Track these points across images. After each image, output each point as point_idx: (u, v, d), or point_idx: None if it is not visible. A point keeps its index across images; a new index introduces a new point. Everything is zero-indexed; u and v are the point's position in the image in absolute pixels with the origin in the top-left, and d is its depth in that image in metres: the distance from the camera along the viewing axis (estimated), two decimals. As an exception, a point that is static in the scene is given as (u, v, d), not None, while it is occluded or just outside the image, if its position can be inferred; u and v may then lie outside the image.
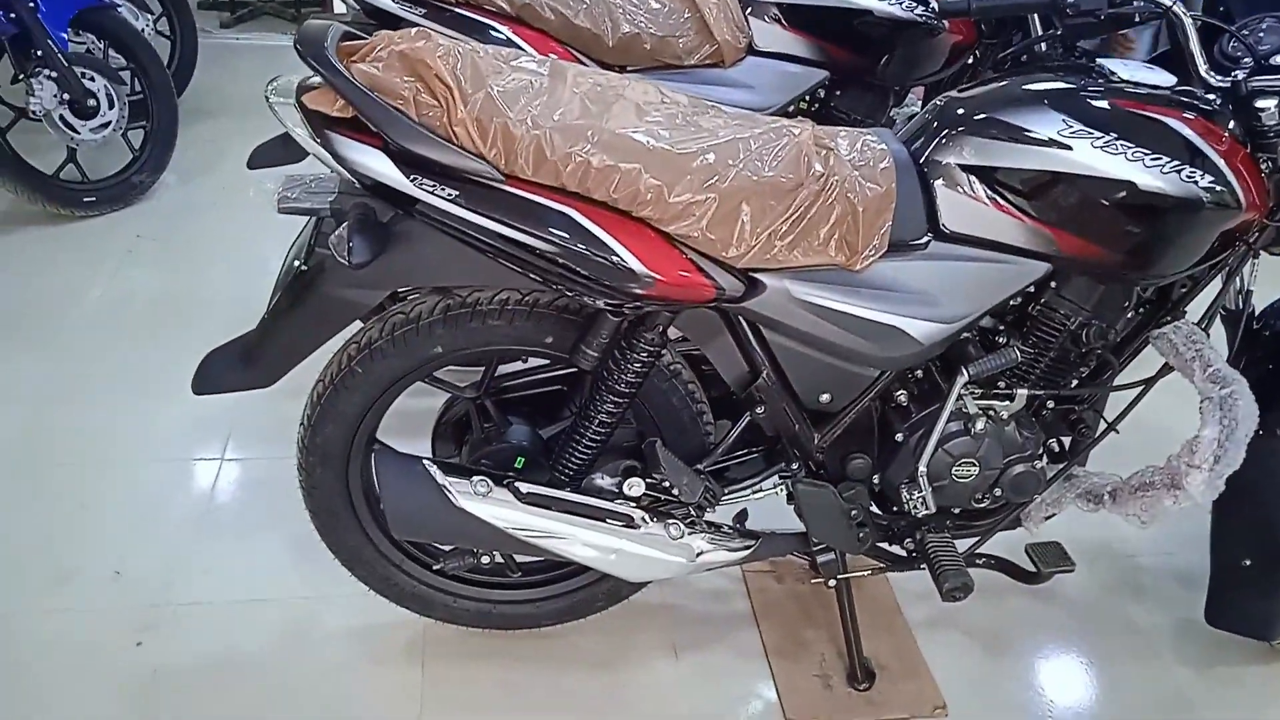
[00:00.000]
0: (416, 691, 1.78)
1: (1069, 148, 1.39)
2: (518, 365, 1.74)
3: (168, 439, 2.35)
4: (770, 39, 2.24)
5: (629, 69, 2.18)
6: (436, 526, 1.49)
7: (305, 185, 1.45)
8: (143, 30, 4.08)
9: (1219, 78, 1.50)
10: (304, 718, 1.74)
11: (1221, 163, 1.40)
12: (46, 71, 3.13)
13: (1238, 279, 1.77)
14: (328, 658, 1.85)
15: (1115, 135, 1.39)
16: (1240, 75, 1.51)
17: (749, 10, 2.24)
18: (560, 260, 1.31)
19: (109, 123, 3.33)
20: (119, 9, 3.46)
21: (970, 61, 2.35)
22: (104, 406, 2.44)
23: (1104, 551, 2.22)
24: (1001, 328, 1.60)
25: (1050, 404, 1.65)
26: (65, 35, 3.19)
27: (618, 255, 1.31)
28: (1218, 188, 1.40)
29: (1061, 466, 1.68)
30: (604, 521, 1.50)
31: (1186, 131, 1.40)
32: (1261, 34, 1.61)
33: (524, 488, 1.47)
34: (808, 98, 2.36)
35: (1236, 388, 1.50)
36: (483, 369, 1.65)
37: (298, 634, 1.90)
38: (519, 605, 1.82)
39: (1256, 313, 1.84)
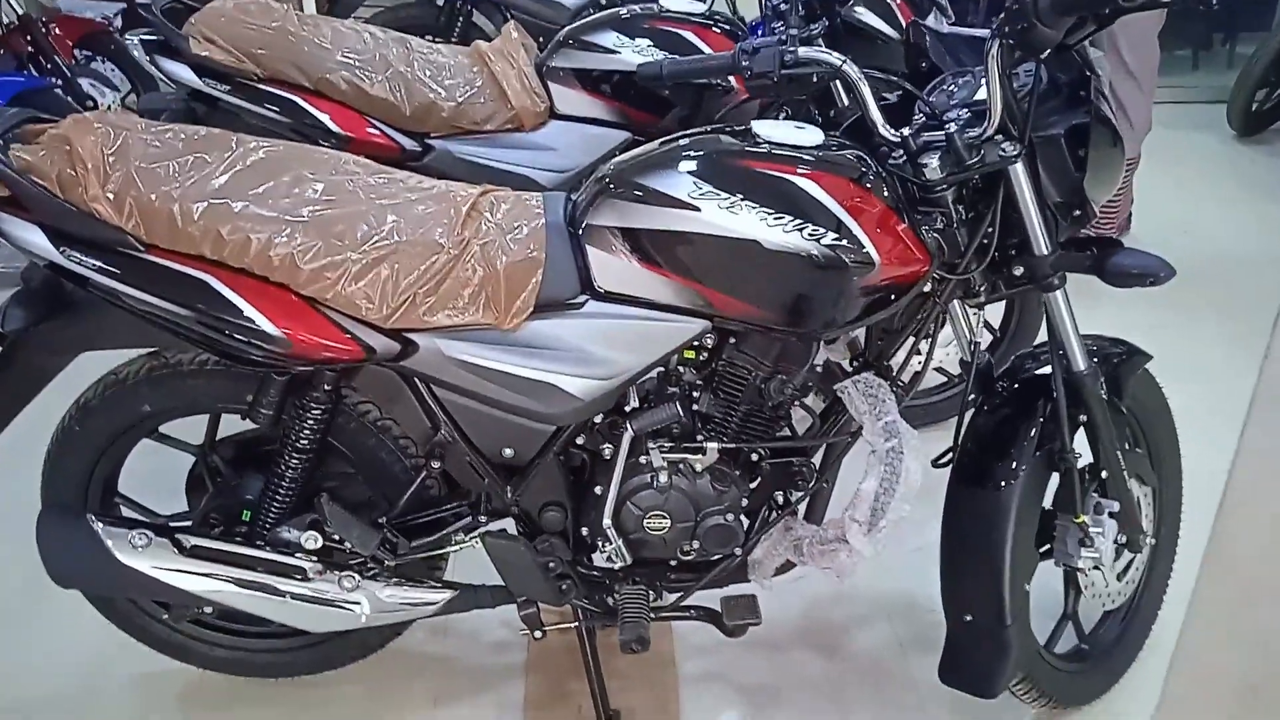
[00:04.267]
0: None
1: (697, 209, 1.43)
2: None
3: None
4: (570, 103, 2.32)
5: (432, 135, 2.27)
6: (99, 580, 1.57)
7: (3, 257, 1.56)
8: (109, 106, 4.36)
9: (894, 134, 1.52)
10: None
11: (848, 218, 1.42)
12: (-18, 149, 3.36)
13: (964, 330, 1.78)
14: (108, 707, 1.94)
15: (741, 195, 1.43)
16: (908, 131, 1.53)
17: (549, 76, 2.32)
18: (197, 323, 1.40)
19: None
20: (56, 89, 3.69)
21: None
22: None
23: (909, 605, 2.19)
24: (699, 382, 1.63)
25: (757, 456, 1.66)
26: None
27: (250, 319, 1.39)
28: (843, 243, 1.42)
29: (773, 518, 1.69)
30: (276, 574, 1.56)
31: (813, 189, 1.43)
32: (955, 89, 1.63)
33: (188, 541, 1.55)
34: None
35: (899, 443, 1.50)
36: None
37: (87, 685, 1.98)
38: (274, 654, 1.88)
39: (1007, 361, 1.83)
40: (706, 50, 2.27)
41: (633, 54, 2.27)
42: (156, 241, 1.39)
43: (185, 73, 2.20)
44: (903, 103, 1.66)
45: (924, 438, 2.11)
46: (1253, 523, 1.22)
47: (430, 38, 4.02)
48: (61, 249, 1.39)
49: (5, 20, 4.04)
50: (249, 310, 1.39)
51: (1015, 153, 1.46)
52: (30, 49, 4.02)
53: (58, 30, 4.17)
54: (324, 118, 2.21)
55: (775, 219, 1.41)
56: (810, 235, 1.41)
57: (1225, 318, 3.20)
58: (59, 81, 3.88)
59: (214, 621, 1.83)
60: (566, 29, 2.39)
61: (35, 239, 1.39)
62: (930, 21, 2.27)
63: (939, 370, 2.55)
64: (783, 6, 2.29)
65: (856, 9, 2.21)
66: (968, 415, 1.72)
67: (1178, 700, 1.37)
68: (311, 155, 1.55)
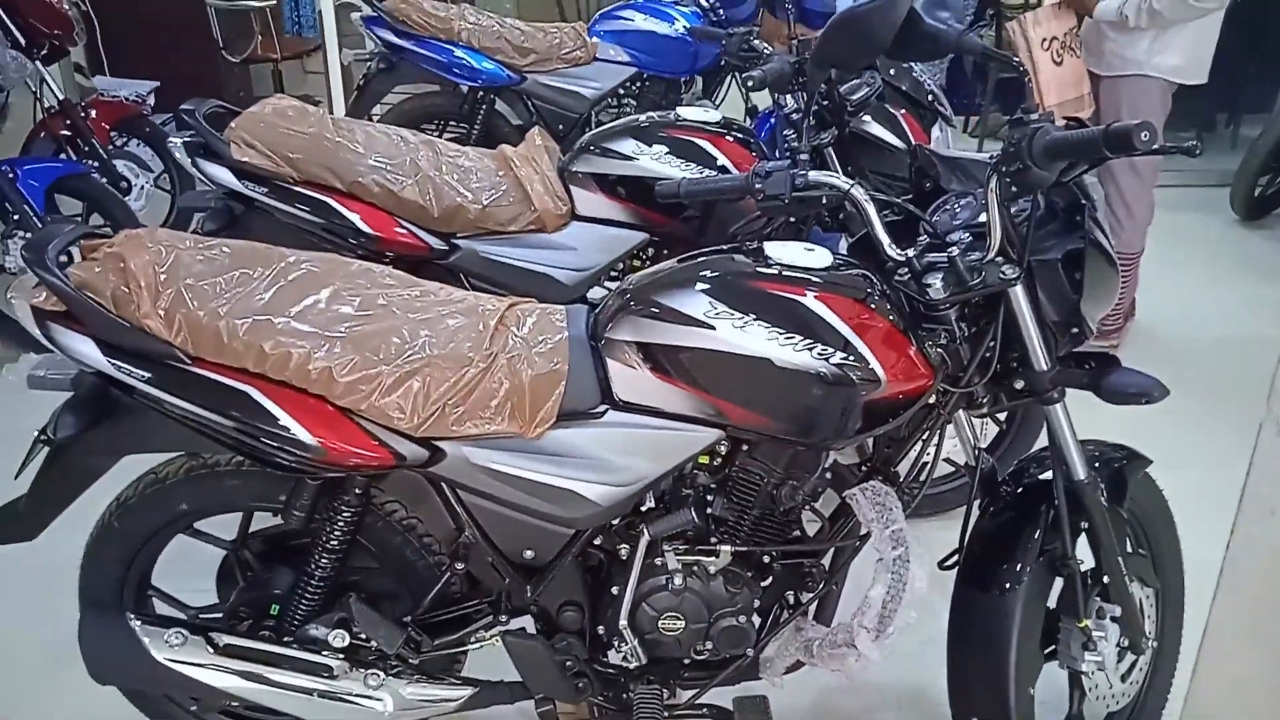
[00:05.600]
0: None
1: (712, 327, 1.51)
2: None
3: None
4: (591, 206, 2.42)
5: (458, 235, 2.37)
6: (137, 677, 1.63)
7: (56, 364, 1.65)
8: (142, 187, 4.49)
9: (899, 254, 1.61)
10: None
11: (854, 337, 1.50)
12: (21, 233, 3.49)
13: (968, 437, 1.84)
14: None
15: (754, 316, 1.51)
16: (912, 252, 1.61)
17: (570, 180, 2.43)
18: (237, 431, 1.48)
19: (83, 277, 3.68)
20: (93, 173, 3.83)
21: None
22: None
23: (918, 697, 2.23)
24: (713, 486, 1.69)
25: (769, 558, 1.72)
26: (42, 199, 3.57)
27: (287, 427, 1.47)
28: (851, 361, 1.49)
29: (785, 618, 1.74)
30: (304, 673, 1.62)
31: (821, 310, 1.51)
32: (958, 210, 1.71)
33: (221, 639, 1.61)
34: (643, 256, 2.52)
35: (906, 551, 1.56)
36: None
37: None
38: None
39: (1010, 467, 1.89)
40: (720, 157, 2.37)
41: (650, 161, 2.38)
42: (203, 355, 1.48)
43: (225, 175, 2.31)
44: (909, 218, 1.74)
45: (930, 528, 2.17)
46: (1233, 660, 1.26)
47: (454, 123, 4.18)
48: (112, 360, 1.47)
49: (46, 105, 4.21)
50: (286, 419, 1.47)
51: (1014, 276, 1.53)
52: (68, 133, 4.18)
53: (94, 114, 4.33)
54: (355, 218, 2.31)
55: (786, 338, 1.49)
56: (819, 354, 1.49)
57: (1223, 402, 3.24)
58: (95, 165, 4.01)
59: (242, 713, 1.88)
60: (587, 135, 2.50)
61: (88, 350, 1.48)
62: (935, 133, 2.39)
63: (946, 460, 2.60)
64: (794, 116, 2.40)
65: (864, 120, 2.31)
66: (973, 518, 1.78)
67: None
68: (349, 269, 1.64)
